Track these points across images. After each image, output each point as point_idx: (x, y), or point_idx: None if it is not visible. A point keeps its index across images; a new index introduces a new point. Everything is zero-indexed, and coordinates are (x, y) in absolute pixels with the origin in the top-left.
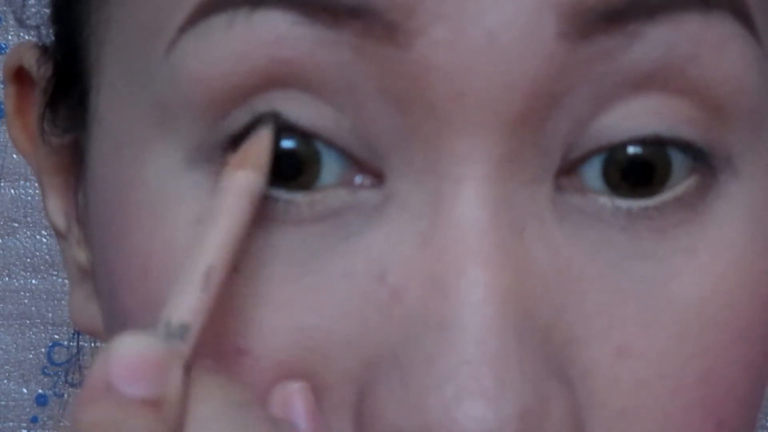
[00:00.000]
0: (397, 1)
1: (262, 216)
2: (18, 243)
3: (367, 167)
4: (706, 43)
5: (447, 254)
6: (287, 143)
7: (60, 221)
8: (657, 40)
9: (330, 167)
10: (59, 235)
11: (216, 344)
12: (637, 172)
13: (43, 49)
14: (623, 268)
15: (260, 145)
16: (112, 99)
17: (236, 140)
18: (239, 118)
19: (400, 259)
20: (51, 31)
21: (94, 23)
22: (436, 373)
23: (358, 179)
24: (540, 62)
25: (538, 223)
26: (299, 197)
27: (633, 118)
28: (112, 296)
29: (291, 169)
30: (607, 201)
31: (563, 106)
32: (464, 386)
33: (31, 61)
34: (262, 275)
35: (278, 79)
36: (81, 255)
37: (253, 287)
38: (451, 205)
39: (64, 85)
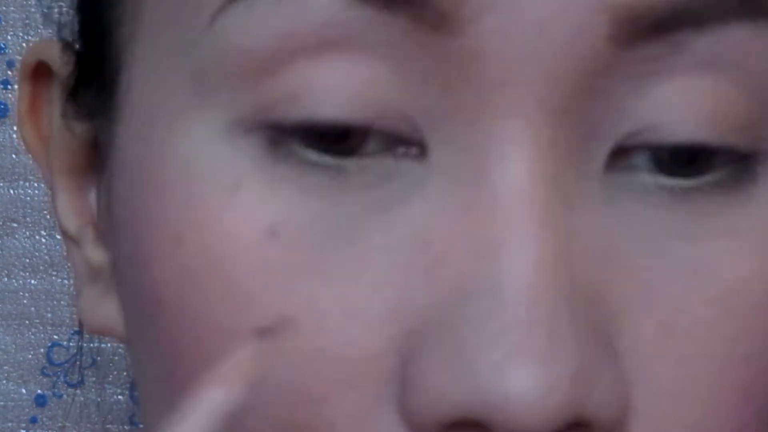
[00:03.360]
0: None
1: (305, 183)
2: (17, 243)
3: (411, 142)
4: (752, 53)
5: (494, 220)
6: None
7: (70, 222)
8: (703, 51)
9: (375, 136)
10: (68, 237)
11: (258, 312)
12: (684, 155)
13: (65, 44)
14: (667, 248)
15: (240, 363)
16: (147, 73)
17: (276, 124)
18: (280, 86)
19: (443, 226)
20: (75, 20)
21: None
22: (486, 335)
23: (402, 150)
24: (587, 60)
25: (585, 200)
26: (348, 163)
27: (682, 122)
28: (143, 273)
29: (338, 134)
30: (650, 179)
31: (609, 96)
32: (516, 347)
33: (53, 54)
34: (303, 243)
35: (327, 55)
36: (96, 253)
37: (294, 255)
38: (497, 177)
39: (89, 74)
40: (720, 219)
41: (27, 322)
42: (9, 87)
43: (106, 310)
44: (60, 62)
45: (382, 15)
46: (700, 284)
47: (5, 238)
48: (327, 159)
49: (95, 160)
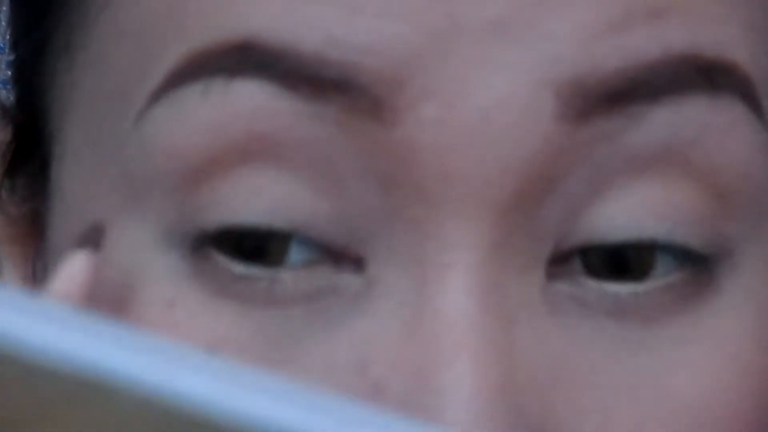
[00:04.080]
0: (385, 75)
1: (240, 297)
2: None
3: (346, 254)
4: (711, 127)
5: (433, 346)
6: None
7: None
8: (659, 123)
9: (299, 249)
10: None
11: None
12: (616, 259)
13: (4, 111)
14: (616, 360)
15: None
16: (76, 170)
17: (199, 232)
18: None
19: (383, 349)
20: (12, 92)
21: (58, 88)
22: None
23: (337, 262)
24: (535, 144)
25: (529, 314)
26: (282, 273)
27: (631, 216)
28: None
29: (256, 245)
30: (594, 286)
31: (558, 190)
32: None
33: None
34: (243, 359)
35: (256, 154)
36: None
37: None
38: (437, 293)
39: (25, 151)
40: (671, 329)
41: None
42: (9, 87)
43: None
44: None
45: (313, 105)
46: (652, 400)
47: None
48: (257, 270)
49: (37, 229)
